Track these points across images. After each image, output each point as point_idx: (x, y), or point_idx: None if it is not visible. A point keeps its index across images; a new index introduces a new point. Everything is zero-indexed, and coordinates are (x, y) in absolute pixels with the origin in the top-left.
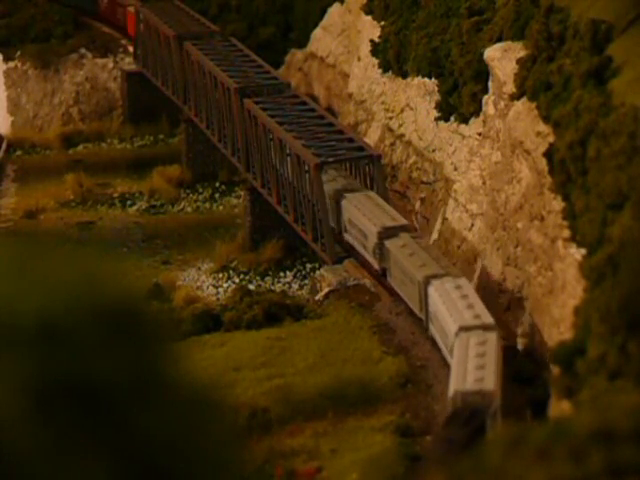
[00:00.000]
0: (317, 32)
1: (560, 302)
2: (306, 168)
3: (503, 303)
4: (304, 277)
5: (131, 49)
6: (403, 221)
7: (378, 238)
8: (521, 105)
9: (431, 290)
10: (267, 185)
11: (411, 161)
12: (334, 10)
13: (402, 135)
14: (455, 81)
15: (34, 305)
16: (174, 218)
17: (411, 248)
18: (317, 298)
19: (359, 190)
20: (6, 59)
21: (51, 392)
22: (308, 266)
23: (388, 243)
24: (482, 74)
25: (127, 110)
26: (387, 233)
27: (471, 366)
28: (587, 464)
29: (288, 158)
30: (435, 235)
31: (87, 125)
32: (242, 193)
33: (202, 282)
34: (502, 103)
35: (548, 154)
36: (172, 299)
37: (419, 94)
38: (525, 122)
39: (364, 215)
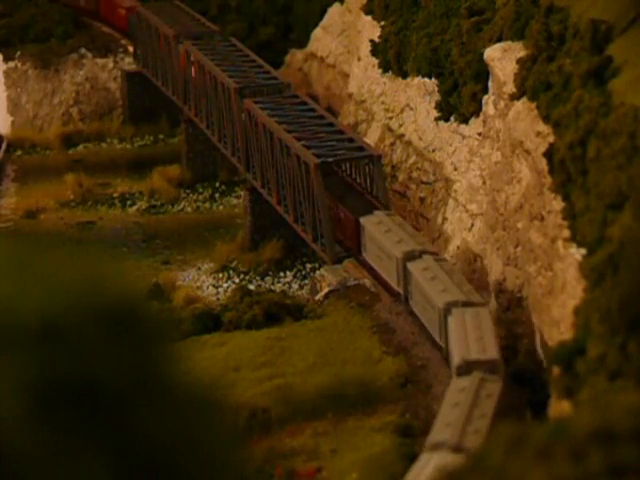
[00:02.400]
0: (317, 32)
1: (560, 302)
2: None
3: (503, 303)
4: (304, 277)
5: (131, 49)
6: (428, 245)
7: (401, 261)
8: (521, 105)
9: (450, 319)
10: (267, 185)
11: (411, 161)
12: (334, 10)
13: (402, 135)
14: (455, 81)
15: (34, 305)
16: (174, 218)
17: (433, 271)
18: (317, 298)
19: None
20: (6, 59)
21: (51, 392)
22: (308, 266)
23: (411, 265)
24: (482, 74)
25: (127, 110)
26: (410, 256)
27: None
28: (587, 464)
29: (288, 158)
30: (435, 235)
31: (87, 125)
32: (242, 193)
33: (202, 282)
34: (502, 103)
35: (548, 154)
36: (172, 299)
37: (419, 94)
38: (525, 122)
39: (387, 237)
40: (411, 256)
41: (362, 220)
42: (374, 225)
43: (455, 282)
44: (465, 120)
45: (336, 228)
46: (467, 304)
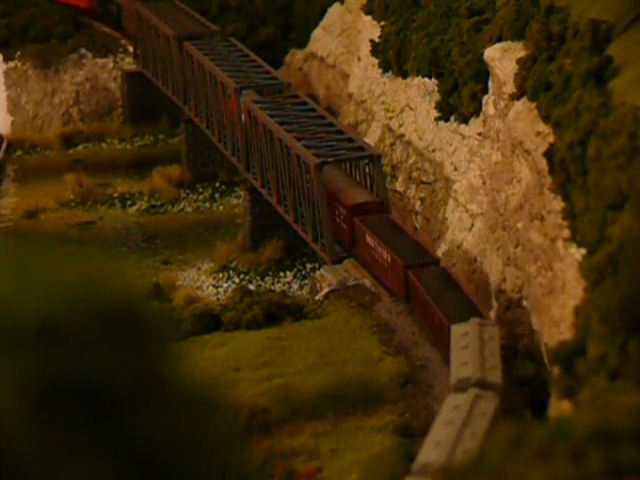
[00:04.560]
0: (317, 32)
1: (560, 302)
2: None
3: (503, 303)
4: (304, 277)
5: (131, 49)
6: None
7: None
8: (521, 105)
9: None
10: (267, 185)
11: (411, 161)
12: (334, 10)
13: (402, 135)
14: (455, 81)
15: (34, 305)
16: (174, 218)
17: (470, 338)
18: (317, 298)
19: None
20: (6, 59)
21: (51, 392)
22: (308, 266)
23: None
24: (482, 74)
25: (127, 110)
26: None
27: None
28: (587, 464)
29: (288, 158)
30: (435, 235)
31: (87, 125)
32: (242, 193)
33: (202, 282)
34: (502, 103)
35: (548, 154)
36: (172, 299)
37: (419, 94)
38: (525, 122)
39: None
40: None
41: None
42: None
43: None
44: (465, 120)
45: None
46: (480, 383)
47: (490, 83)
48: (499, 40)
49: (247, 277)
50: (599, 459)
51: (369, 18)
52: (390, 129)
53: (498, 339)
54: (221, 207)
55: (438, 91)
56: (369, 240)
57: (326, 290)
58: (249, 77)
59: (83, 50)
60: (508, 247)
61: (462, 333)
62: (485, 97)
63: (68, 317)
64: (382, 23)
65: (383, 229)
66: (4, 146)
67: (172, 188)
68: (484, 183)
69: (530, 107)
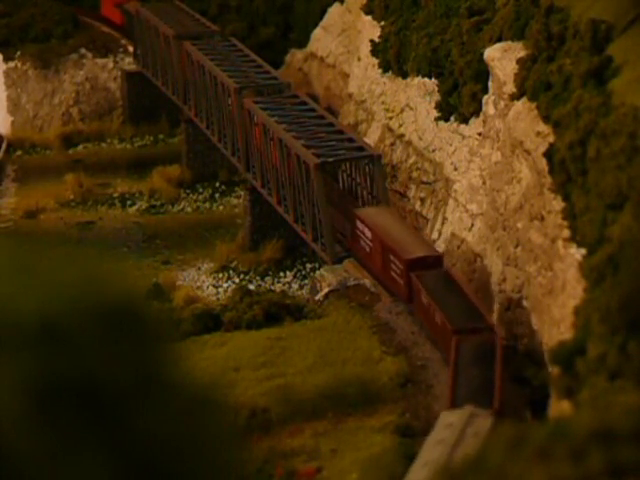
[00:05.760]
0: (317, 32)
1: (560, 302)
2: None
3: (503, 303)
4: (304, 277)
5: (131, 49)
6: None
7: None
8: (521, 105)
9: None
10: (267, 185)
11: (411, 161)
12: (334, 10)
13: (402, 135)
14: (455, 81)
15: (34, 305)
16: (174, 218)
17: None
18: (317, 298)
19: None
20: (6, 59)
21: (51, 392)
22: (308, 266)
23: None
24: (482, 74)
25: (127, 110)
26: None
27: None
28: (587, 464)
29: (288, 158)
30: (435, 235)
31: (87, 125)
32: (242, 193)
33: (202, 282)
34: (502, 103)
35: (548, 154)
36: (172, 299)
37: (419, 94)
38: (525, 122)
39: None
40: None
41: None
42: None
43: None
44: (465, 120)
45: None
46: None
47: (490, 83)
48: (499, 40)
49: (247, 277)
50: (599, 459)
51: (369, 18)
52: (390, 129)
53: (485, 433)
54: (221, 207)
55: (438, 91)
56: (424, 299)
57: (326, 290)
58: (249, 77)
59: (83, 50)
60: (508, 247)
61: (446, 424)
62: (485, 97)
63: (68, 317)
64: (382, 23)
65: (438, 287)
66: (4, 146)
67: (172, 188)
68: (484, 183)
69: (530, 107)
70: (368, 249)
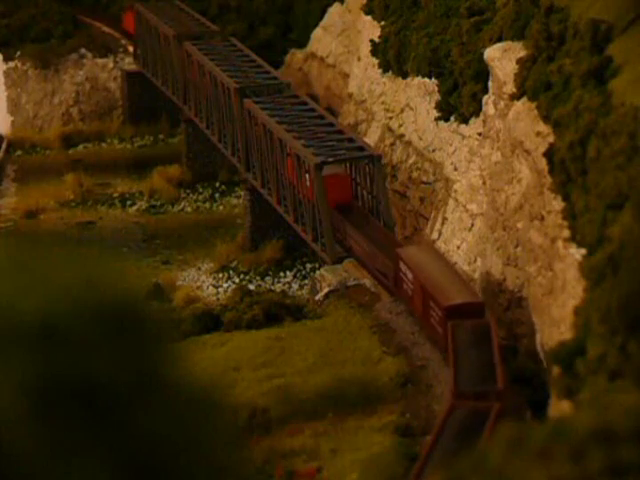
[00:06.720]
0: (317, 32)
1: (560, 302)
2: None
3: (503, 303)
4: (304, 277)
5: (131, 49)
6: None
7: None
8: (521, 105)
9: None
10: (267, 185)
11: (411, 161)
12: (334, 10)
13: (402, 135)
14: (455, 81)
15: (34, 305)
16: (174, 218)
17: None
18: (317, 298)
19: None
20: (6, 59)
21: (51, 392)
22: (308, 266)
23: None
24: (482, 74)
25: (127, 110)
26: None
27: None
28: (587, 464)
29: (288, 158)
30: (435, 235)
31: (87, 125)
32: (242, 193)
33: (202, 282)
34: (502, 103)
35: (548, 154)
36: (172, 299)
37: (419, 94)
38: (525, 122)
39: None
40: None
41: None
42: None
43: None
44: (465, 120)
45: None
46: None
47: (490, 83)
48: (499, 40)
49: (247, 277)
50: (599, 459)
51: (369, 18)
52: (390, 129)
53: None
54: (221, 207)
55: (438, 91)
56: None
57: (326, 290)
58: (249, 77)
59: (83, 50)
60: (508, 247)
61: None
62: (485, 97)
63: (68, 317)
64: (382, 23)
65: (471, 339)
66: (4, 146)
67: (172, 188)
68: (484, 183)
69: (530, 107)
70: (410, 292)
